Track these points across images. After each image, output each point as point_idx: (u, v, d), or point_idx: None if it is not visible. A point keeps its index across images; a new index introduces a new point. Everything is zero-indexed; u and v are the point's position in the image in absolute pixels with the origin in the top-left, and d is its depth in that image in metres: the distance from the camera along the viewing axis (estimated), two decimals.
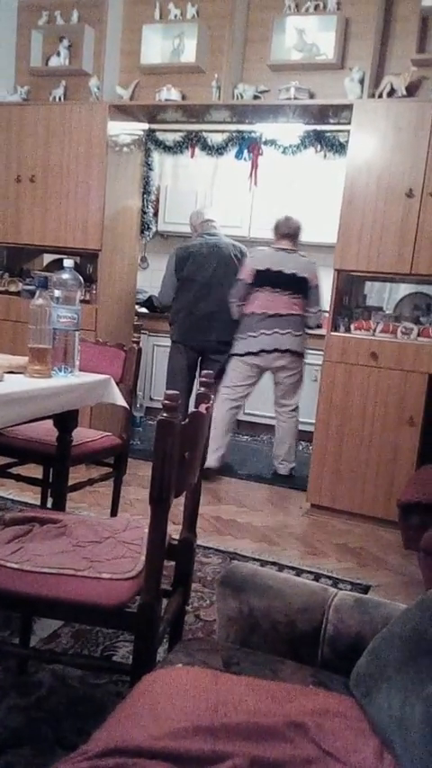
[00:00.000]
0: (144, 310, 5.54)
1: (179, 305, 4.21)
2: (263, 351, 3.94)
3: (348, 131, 3.36)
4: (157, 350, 5.45)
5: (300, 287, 3.93)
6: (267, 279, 3.91)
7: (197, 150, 4.34)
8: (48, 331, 2.05)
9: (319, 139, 3.91)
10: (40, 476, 2.77)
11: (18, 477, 2.73)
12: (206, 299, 4.13)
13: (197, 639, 1.76)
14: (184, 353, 4.27)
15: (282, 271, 3.91)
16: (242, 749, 0.95)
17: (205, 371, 1.70)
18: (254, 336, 3.94)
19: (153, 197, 4.93)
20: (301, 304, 3.96)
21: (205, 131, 4.25)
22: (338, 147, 3.86)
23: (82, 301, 2.31)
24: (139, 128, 4.21)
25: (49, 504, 2.73)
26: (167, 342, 4.45)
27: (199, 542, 2.84)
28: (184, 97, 3.82)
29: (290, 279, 3.91)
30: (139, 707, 1.06)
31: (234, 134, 4.22)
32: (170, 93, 3.77)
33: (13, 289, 4.27)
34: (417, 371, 3.25)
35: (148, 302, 5.62)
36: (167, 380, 4.40)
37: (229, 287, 4.13)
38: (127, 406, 2.61)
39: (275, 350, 3.93)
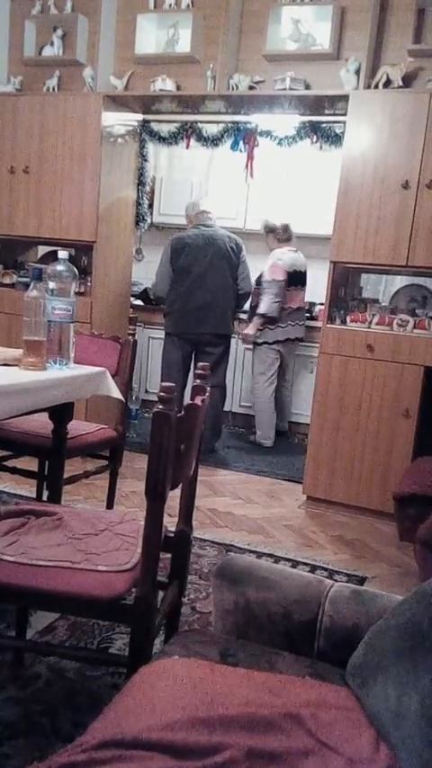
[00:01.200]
0: (139, 302, 5.51)
1: (174, 296, 4.20)
2: (288, 339, 4.69)
3: (344, 122, 3.34)
4: (153, 342, 5.43)
5: (305, 281, 4.74)
6: (293, 278, 4.59)
7: (192, 141, 4.31)
8: (42, 323, 2.04)
9: (314, 130, 3.89)
10: (35, 468, 2.77)
11: (13, 470, 2.72)
12: (201, 291, 4.12)
13: (193, 631, 1.77)
14: (179, 346, 4.27)
15: (300, 270, 4.66)
16: (238, 740, 0.95)
17: (201, 363, 1.69)
18: (282, 327, 4.62)
19: (148, 188, 4.90)
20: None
21: (200, 122, 4.22)
22: (334, 139, 3.85)
23: (77, 293, 2.30)
24: (133, 118, 4.18)
25: (44, 497, 2.73)
26: (163, 334, 4.44)
27: (195, 534, 2.83)
28: (178, 87, 3.79)
29: (304, 276, 4.72)
30: (135, 699, 1.06)
31: (229, 125, 4.20)
32: (165, 84, 3.75)
33: (7, 281, 4.25)
34: (412, 363, 3.25)
35: (143, 294, 5.60)
36: (162, 373, 4.40)
37: (224, 280, 4.14)
38: (122, 399, 2.61)
39: (296, 338, 4.75)
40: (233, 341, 4.61)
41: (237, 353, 5.19)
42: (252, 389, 4.89)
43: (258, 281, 4.53)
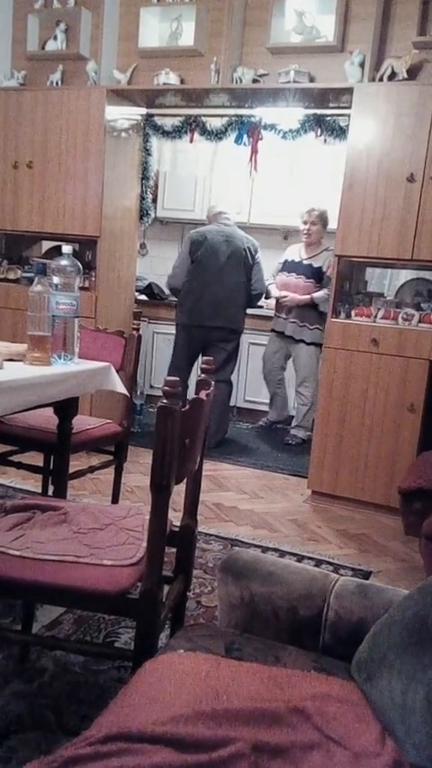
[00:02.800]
0: (144, 297, 5.51)
1: (188, 288, 4.25)
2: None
3: (349, 115, 3.33)
4: (158, 337, 5.43)
5: None
6: None
7: (196, 135, 4.30)
8: (47, 318, 2.04)
9: (319, 124, 3.87)
10: (41, 463, 2.78)
11: (19, 465, 2.73)
12: (217, 286, 4.18)
13: (198, 625, 1.77)
14: (188, 340, 4.29)
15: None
16: (244, 734, 0.95)
17: (206, 358, 1.69)
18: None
19: (152, 183, 4.89)
20: None
21: (204, 116, 4.20)
22: (339, 132, 3.83)
23: (81, 288, 2.30)
24: (137, 112, 4.17)
25: (50, 492, 2.74)
26: (167, 329, 4.45)
27: (200, 529, 2.84)
28: (182, 81, 3.78)
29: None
30: (140, 692, 1.06)
31: (233, 118, 4.18)
32: (168, 77, 3.73)
33: (12, 276, 4.25)
34: (418, 358, 3.24)
35: (147, 289, 5.60)
36: (171, 365, 4.43)
37: (239, 277, 4.21)
38: (127, 394, 2.61)
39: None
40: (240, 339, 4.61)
41: (242, 349, 5.18)
42: (307, 388, 4.58)
43: (320, 275, 4.45)
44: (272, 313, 4.79)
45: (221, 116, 4.20)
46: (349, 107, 3.31)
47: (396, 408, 3.30)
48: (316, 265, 4.49)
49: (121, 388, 2.41)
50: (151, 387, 5.51)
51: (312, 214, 4.48)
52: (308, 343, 4.51)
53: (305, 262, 4.53)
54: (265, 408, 5.16)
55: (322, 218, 4.48)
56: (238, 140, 4.29)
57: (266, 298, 4.72)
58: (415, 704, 0.98)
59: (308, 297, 4.46)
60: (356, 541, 3.07)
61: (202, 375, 1.59)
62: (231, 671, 1.13)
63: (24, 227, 4.10)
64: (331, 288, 3.53)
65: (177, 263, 4.35)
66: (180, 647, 1.23)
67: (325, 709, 1.04)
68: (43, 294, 2.02)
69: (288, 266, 4.61)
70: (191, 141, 4.39)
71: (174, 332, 4.49)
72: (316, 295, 4.45)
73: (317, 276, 4.48)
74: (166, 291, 4.99)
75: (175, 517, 1.62)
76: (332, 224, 3.49)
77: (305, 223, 4.50)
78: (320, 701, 1.06)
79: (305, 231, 4.52)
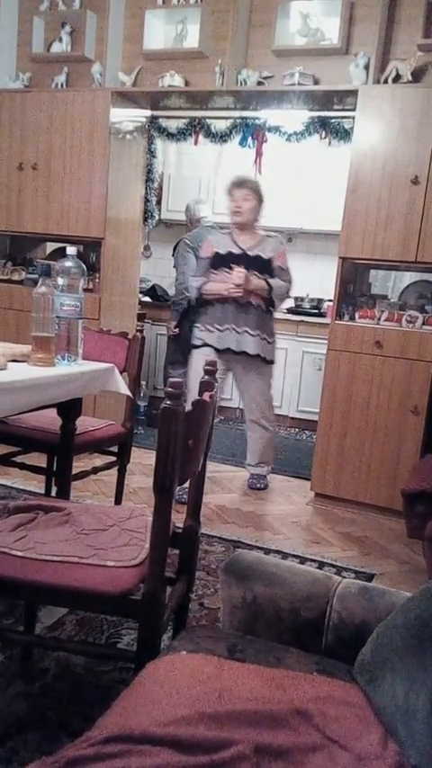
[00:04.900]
0: (147, 299, 5.52)
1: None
2: None
3: (353, 118, 3.33)
4: (161, 339, 5.43)
5: None
6: None
7: (201, 137, 4.32)
8: (51, 319, 2.04)
9: (323, 126, 3.88)
10: (44, 464, 2.78)
11: (22, 466, 2.74)
12: None
13: (201, 627, 1.77)
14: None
15: None
16: (246, 736, 0.95)
17: (209, 359, 1.69)
18: None
19: (156, 185, 4.91)
20: None
21: (209, 118, 4.22)
22: (343, 134, 3.84)
23: (85, 290, 2.30)
24: (141, 114, 4.18)
25: (53, 493, 2.74)
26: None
27: (203, 531, 2.84)
28: (187, 83, 3.78)
29: None
30: (143, 694, 1.06)
31: (238, 121, 4.19)
32: (173, 80, 3.74)
33: (16, 278, 4.26)
34: (421, 360, 3.24)
35: (151, 291, 5.61)
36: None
37: None
38: (130, 395, 2.61)
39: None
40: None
41: None
42: (267, 411, 3.71)
43: (271, 269, 3.47)
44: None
45: (226, 118, 4.22)
46: (354, 109, 3.32)
47: (399, 411, 3.30)
48: (265, 257, 3.43)
49: (124, 389, 2.42)
50: (154, 388, 5.52)
51: (244, 186, 3.44)
52: (268, 362, 3.56)
53: (250, 253, 3.43)
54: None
55: (257, 193, 3.46)
56: (242, 142, 4.30)
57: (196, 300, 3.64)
58: (417, 707, 0.98)
59: (262, 282, 3.38)
60: (359, 544, 3.06)
61: (205, 377, 1.59)
62: (234, 672, 1.13)
63: (29, 229, 4.11)
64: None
65: (184, 270, 4.22)
66: (182, 649, 1.23)
67: (327, 712, 1.04)
68: (47, 295, 2.02)
69: (224, 261, 3.43)
70: (195, 143, 4.41)
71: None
72: (275, 283, 3.42)
73: (269, 271, 3.43)
74: (191, 295, 4.07)
75: (178, 518, 1.62)
76: (336, 226, 3.48)
77: (233, 199, 3.45)
78: (323, 702, 1.06)
79: (234, 209, 3.44)
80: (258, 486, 3.70)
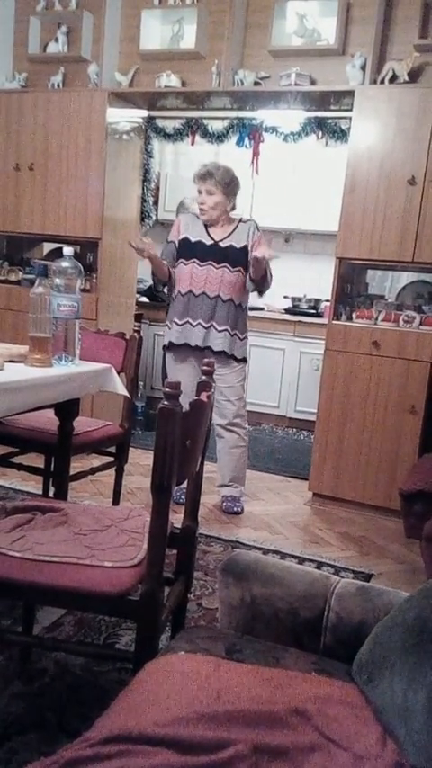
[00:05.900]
0: (145, 299, 5.51)
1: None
2: None
3: (350, 118, 3.33)
4: (158, 339, 5.43)
5: None
6: None
7: (197, 137, 4.31)
8: (48, 320, 2.04)
9: (320, 126, 3.88)
10: (41, 465, 2.78)
11: (20, 467, 2.73)
12: None
13: (199, 627, 1.77)
14: None
15: None
16: (245, 736, 0.95)
17: (206, 360, 1.69)
18: None
19: (153, 185, 4.90)
20: None
21: (205, 118, 4.22)
22: (340, 134, 3.84)
23: (82, 290, 2.30)
24: (138, 115, 4.18)
25: (51, 494, 2.74)
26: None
27: (201, 531, 2.84)
28: (183, 83, 3.78)
29: None
30: (141, 694, 1.06)
31: (235, 121, 4.19)
32: (170, 80, 3.74)
33: (13, 278, 4.25)
34: (419, 360, 3.24)
35: (148, 291, 5.60)
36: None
37: None
38: (128, 395, 2.61)
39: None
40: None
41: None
42: (240, 412, 3.34)
43: (246, 260, 3.19)
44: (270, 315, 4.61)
45: (223, 118, 4.21)
46: (350, 110, 3.32)
47: (397, 410, 3.30)
48: (239, 246, 3.17)
49: (121, 389, 2.41)
50: (152, 389, 5.52)
51: (207, 178, 3.13)
52: (239, 360, 3.28)
53: (222, 244, 3.17)
54: (268, 411, 5.17)
55: (223, 184, 3.14)
56: (239, 143, 4.30)
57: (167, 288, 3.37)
58: (416, 706, 0.98)
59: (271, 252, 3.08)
60: (357, 544, 3.07)
61: (203, 377, 1.59)
62: (232, 672, 1.13)
63: (26, 229, 4.11)
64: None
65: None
66: (181, 649, 1.23)
67: (326, 711, 1.04)
68: (44, 296, 2.02)
69: (195, 252, 3.19)
70: (192, 144, 4.40)
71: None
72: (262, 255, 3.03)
73: (244, 263, 3.16)
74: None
75: (176, 519, 1.62)
76: (333, 226, 3.48)
77: (199, 192, 3.18)
78: (321, 702, 1.06)
79: (199, 206, 3.20)
80: (235, 509, 3.31)
